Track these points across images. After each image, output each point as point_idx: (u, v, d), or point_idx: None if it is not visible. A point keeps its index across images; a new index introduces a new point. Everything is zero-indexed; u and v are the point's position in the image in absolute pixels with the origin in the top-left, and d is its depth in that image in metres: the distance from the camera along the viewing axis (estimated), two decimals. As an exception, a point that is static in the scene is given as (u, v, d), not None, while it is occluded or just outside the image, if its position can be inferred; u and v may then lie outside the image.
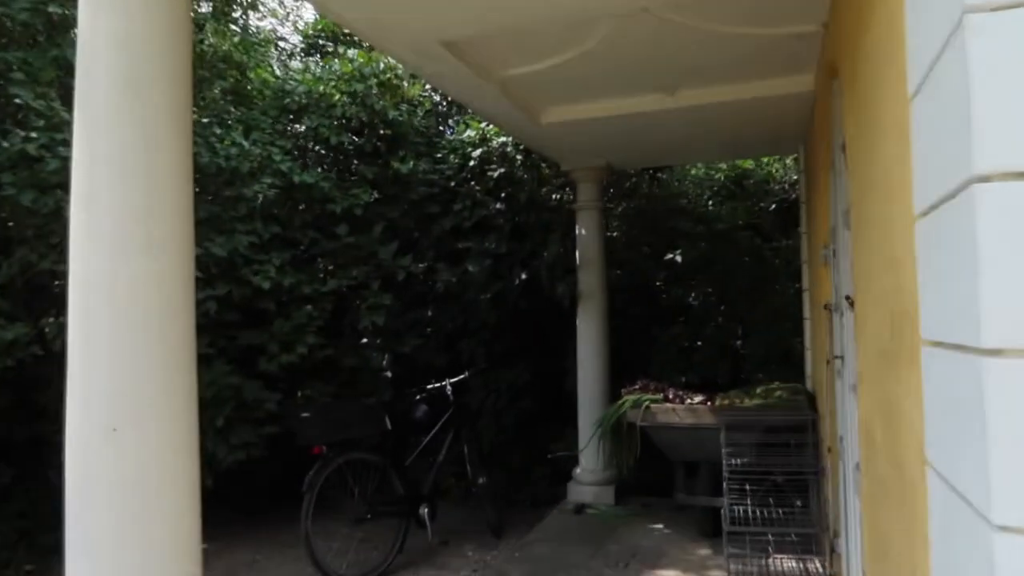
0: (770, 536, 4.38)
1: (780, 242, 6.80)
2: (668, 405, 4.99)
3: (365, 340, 5.86)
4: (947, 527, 1.12)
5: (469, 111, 6.65)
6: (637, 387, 5.37)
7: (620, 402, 5.15)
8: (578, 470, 6.07)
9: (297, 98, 5.38)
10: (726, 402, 4.91)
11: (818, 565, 4.34)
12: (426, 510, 5.02)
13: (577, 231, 6.00)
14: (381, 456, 4.88)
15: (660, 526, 5.33)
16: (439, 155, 6.31)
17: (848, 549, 3.42)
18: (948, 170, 1.01)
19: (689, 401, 5.03)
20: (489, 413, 6.40)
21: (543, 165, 6.14)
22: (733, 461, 4.48)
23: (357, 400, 5.38)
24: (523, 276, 5.81)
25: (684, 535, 5.09)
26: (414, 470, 5.27)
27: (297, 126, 5.57)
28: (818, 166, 4.20)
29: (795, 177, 6.98)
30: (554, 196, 6.34)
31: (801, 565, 4.37)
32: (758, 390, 5.11)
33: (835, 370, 3.93)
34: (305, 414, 4.59)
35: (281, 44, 7.35)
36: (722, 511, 4.56)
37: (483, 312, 5.97)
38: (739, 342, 6.61)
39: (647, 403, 5.01)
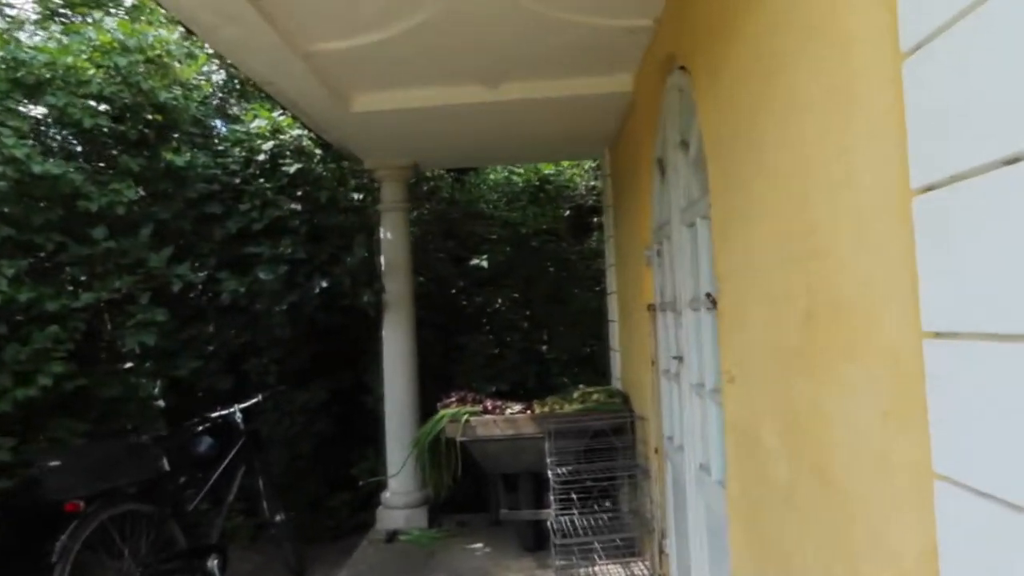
0: (597, 544, 4.30)
1: (580, 246, 6.92)
2: (488, 417, 4.74)
3: (130, 364, 4.91)
4: (989, 547, 0.94)
5: (255, 102, 5.94)
6: (453, 400, 5.07)
7: (438, 417, 4.81)
8: (387, 494, 5.61)
9: (36, 71, 4.34)
10: (546, 409, 4.78)
11: (643, 567, 4.34)
12: (216, 562, 4.29)
13: (382, 235, 5.57)
14: (157, 504, 4.07)
15: (480, 545, 5.06)
16: (221, 148, 5.52)
17: (686, 549, 3.40)
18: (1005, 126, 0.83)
19: (509, 411, 4.83)
20: (282, 439, 5.72)
21: (344, 163, 5.62)
22: (559, 470, 4.35)
23: (123, 438, 4.46)
24: (323, 284, 5.24)
25: (506, 552, 4.87)
26: (198, 515, 4.49)
27: (35, 106, 4.50)
28: (635, 167, 4.22)
29: (592, 183, 7.17)
30: (356, 196, 5.84)
31: (627, 570, 4.35)
32: (575, 395, 5.05)
33: (661, 370, 3.94)
34: (54, 462, 3.66)
35: (9, 12, 6.01)
36: (548, 523, 4.41)
37: (276, 326, 5.30)
38: (544, 347, 6.59)
39: (466, 416, 4.72)
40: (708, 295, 2.52)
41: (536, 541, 4.81)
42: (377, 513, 5.60)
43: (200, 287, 5.27)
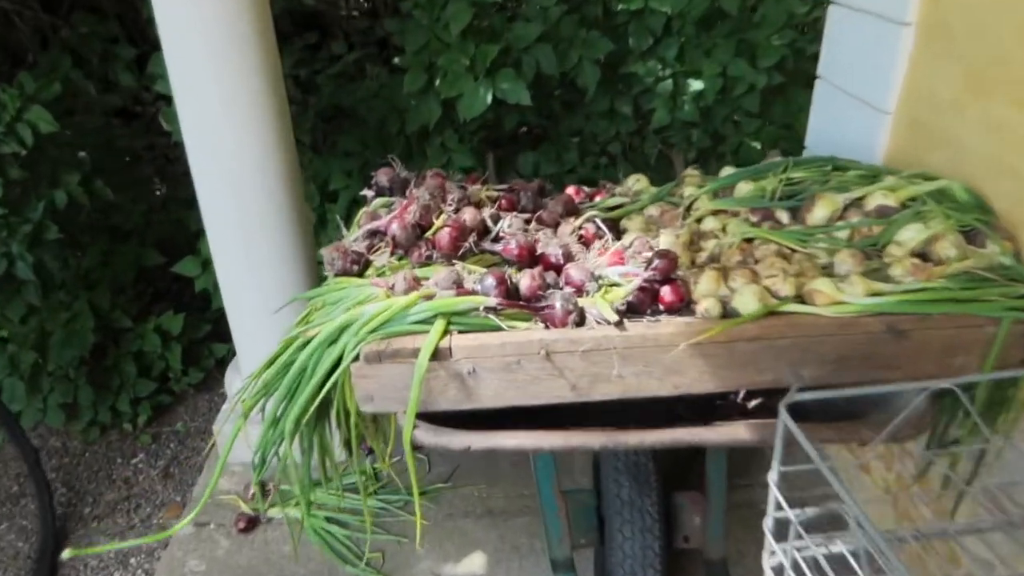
0: None
1: None
2: (524, 335, 1.14)
3: None
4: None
5: None
6: (377, 225, 1.42)
7: (341, 318, 1.18)
8: (237, 381, 2.26)
9: None
10: (787, 305, 1.15)
11: None
12: None
13: None
14: None
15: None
16: None
17: None
18: None
19: (607, 298, 1.18)
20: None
21: None
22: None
23: None
24: None
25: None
26: None
27: None
28: None
29: None
30: None
31: None
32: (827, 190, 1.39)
33: None
34: None
35: None
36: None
37: None
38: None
39: (446, 329, 1.14)
40: None
41: None
42: (218, 423, 2.31)
43: None
